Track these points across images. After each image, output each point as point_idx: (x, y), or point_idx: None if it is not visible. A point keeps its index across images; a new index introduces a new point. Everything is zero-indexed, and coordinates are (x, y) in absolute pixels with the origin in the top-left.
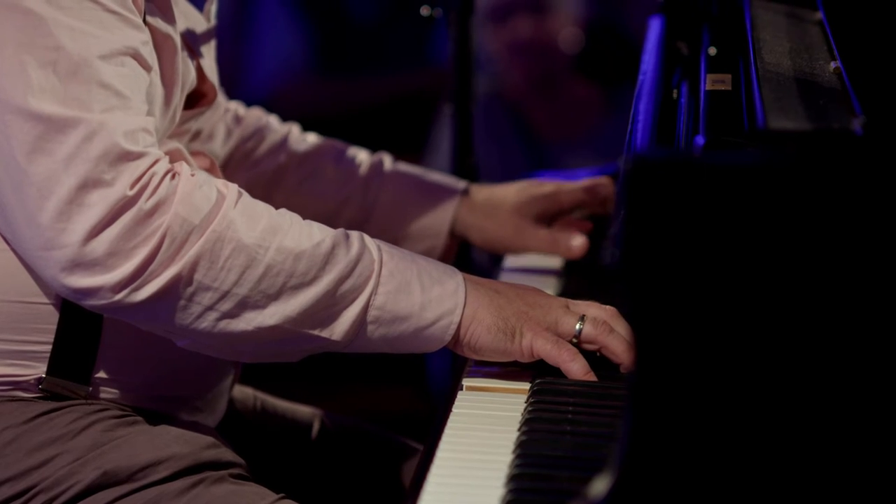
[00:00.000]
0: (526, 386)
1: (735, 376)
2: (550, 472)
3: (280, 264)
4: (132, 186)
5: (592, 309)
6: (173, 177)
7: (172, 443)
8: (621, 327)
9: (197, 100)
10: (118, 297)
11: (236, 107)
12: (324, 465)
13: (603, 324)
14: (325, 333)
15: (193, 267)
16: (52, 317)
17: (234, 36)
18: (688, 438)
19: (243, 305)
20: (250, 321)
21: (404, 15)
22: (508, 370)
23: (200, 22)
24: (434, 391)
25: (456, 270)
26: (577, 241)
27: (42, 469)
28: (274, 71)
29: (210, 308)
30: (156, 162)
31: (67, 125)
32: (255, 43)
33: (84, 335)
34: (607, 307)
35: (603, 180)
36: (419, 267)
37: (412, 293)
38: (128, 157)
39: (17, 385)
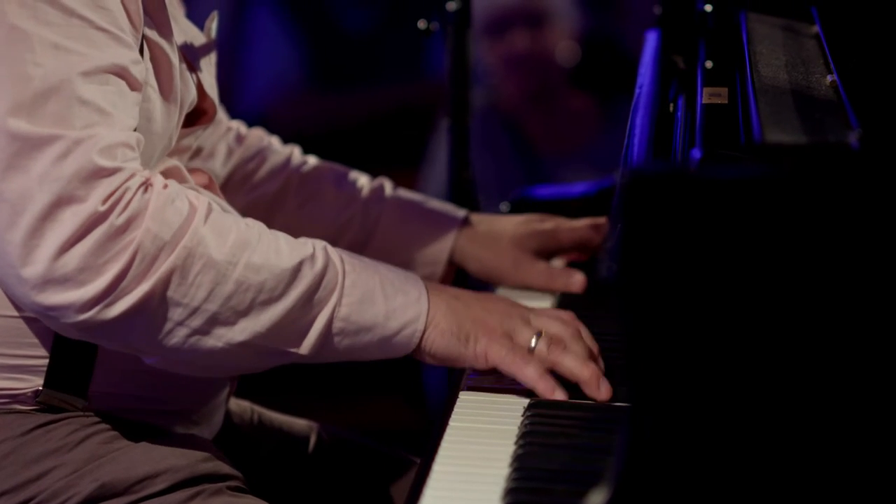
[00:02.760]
0: (523, 400)
1: (733, 390)
2: (548, 486)
3: (249, 280)
4: (104, 202)
5: (552, 325)
6: (146, 190)
7: (169, 455)
8: (578, 346)
9: (197, 117)
10: (89, 314)
11: (238, 126)
12: (321, 479)
13: (558, 342)
14: (292, 347)
15: (165, 283)
16: (48, 330)
17: (228, 50)
18: (684, 452)
19: (213, 322)
20: (220, 337)
21: (398, 28)
22: (506, 383)
23: (200, 39)
24: (431, 404)
25: (418, 278)
26: (575, 278)
27: (39, 481)
28: (268, 85)
29: (180, 324)
30: (131, 177)
31: (43, 143)
32: (250, 57)
33: (80, 348)
34: (569, 322)
35: (601, 221)
36: (381, 276)
37: (375, 303)
38: (101, 173)
39: (14, 398)
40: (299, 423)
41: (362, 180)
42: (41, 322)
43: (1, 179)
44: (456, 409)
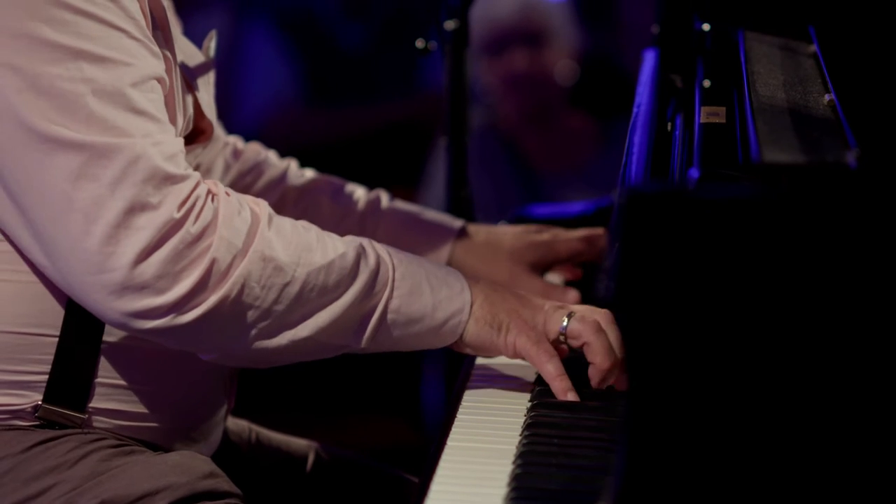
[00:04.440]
0: (521, 419)
1: (731, 408)
2: None
3: (314, 280)
4: (179, 209)
5: (585, 310)
6: (213, 198)
7: (169, 472)
8: (613, 332)
9: (194, 136)
10: (166, 319)
11: (235, 141)
12: (319, 498)
13: (592, 322)
14: (350, 340)
15: (239, 288)
16: (48, 346)
17: (224, 66)
18: (683, 471)
19: (280, 321)
20: (285, 335)
21: (394, 44)
22: (503, 403)
23: (198, 58)
24: (428, 423)
25: (457, 271)
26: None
27: (40, 498)
28: (265, 101)
29: (251, 326)
30: (198, 184)
31: (110, 150)
32: (246, 73)
33: (80, 364)
34: (604, 311)
35: (599, 232)
36: (426, 269)
37: (423, 295)
38: (172, 179)
39: (14, 414)
40: (297, 442)
41: (359, 193)
42: (41, 337)
43: (72, 189)
44: (454, 429)
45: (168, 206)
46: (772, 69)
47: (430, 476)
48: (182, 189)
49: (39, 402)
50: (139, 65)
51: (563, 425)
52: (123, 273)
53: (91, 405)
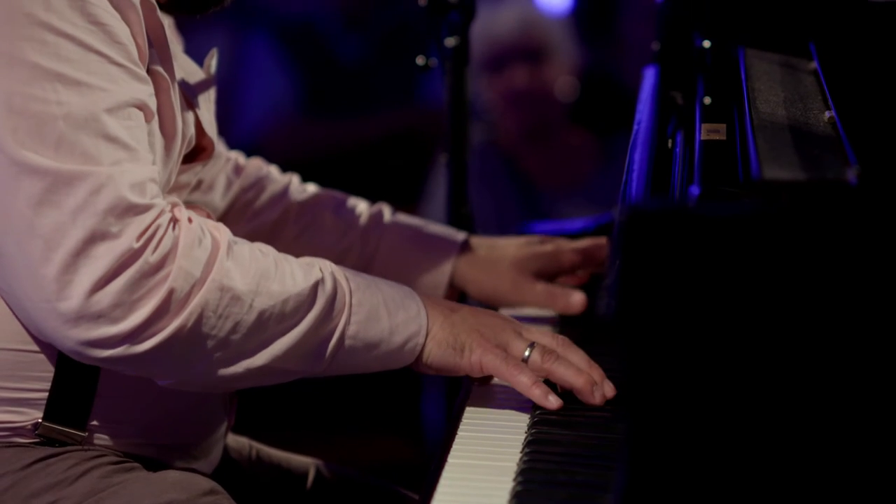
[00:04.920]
0: (521, 436)
1: (733, 425)
2: None
3: (271, 309)
4: (138, 238)
5: (543, 337)
6: (174, 226)
7: (170, 489)
8: (572, 355)
9: (195, 154)
10: (121, 348)
11: (237, 156)
12: None
13: (551, 352)
14: (306, 367)
15: (195, 318)
16: (48, 363)
17: (223, 78)
18: (684, 488)
19: (237, 351)
20: (241, 364)
21: (393, 58)
22: (504, 420)
23: (199, 75)
24: (429, 440)
25: (414, 293)
26: (575, 298)
27: None
28: (264, 115)
29: (207, 355)
30: (161, 213)
31: (75, 178)
32: (246, 86)
33: (80, 381)
34: (559, 336)
35: (601, 241)
36: (383, 293)
37: (380, 320)
38: (134, 209)
39: (14, 431)
40: (298, 460)
41: (361, 207)
42: (41, 354)
43: (34, 215)
44: (455, 446)
45: (128, 235)
46: (772, 86)
47: (430, 493)
48: (144, 219)
49: (39, 420)
50: (118, 91)
51: (564, 442)
52: (79, 301)
53: (91, 422)
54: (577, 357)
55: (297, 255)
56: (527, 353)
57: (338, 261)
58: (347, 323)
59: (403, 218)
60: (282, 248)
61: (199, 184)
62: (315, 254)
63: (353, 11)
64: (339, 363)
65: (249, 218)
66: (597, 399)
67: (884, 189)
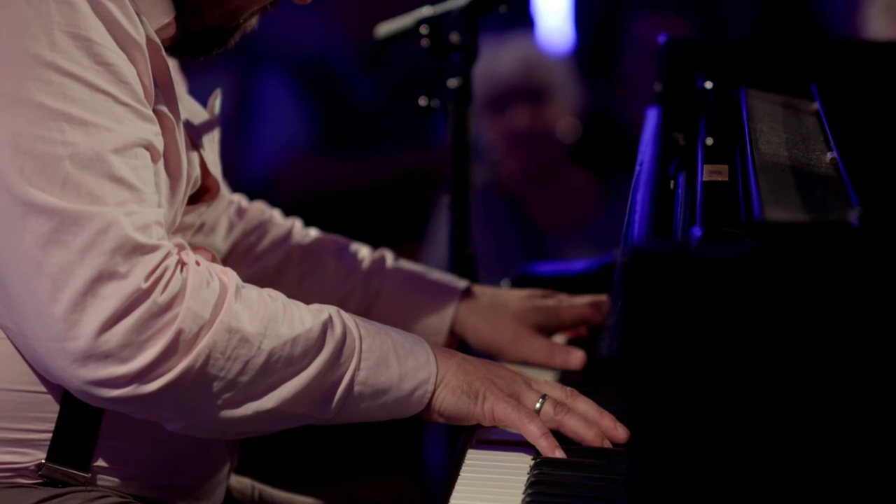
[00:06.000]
0: (524, 477)
1: (734, 467)
2: None
3: (279, 351)
4: (147, 279)
5: (553, 389)
6: (182, 268)
7: None
8: (582, 406)
9: (200, 195)
10: (129, 388)
11: (239, 199)
12: None
13: (562, 404)
14: (315, 412)
15: (203, 359)
16: (52, 404)
17: (236, 115)
18: None
19: (245, 392)
20: (250, 406)
21: (406, 97)
22: (506, 461)
23: (203, 116)
24: (431, 480)
25: (422, 339)
26: (575, 356)
27: None
28: (275, 151)
29: (215, 397)
30: (168, 255)
31: (82, 217)
32: (258, 123)
33: (84, 422)
34: (567, 388)
35: (602, 300)
36: (393, 340)
37: (390, 366)
38: (142, 249)
39: (17, 472)
40: (301, 500)
41: (363, 252)
42: (46, 395)
43: (41, 254)
44: (457, 487)
45: (136, 275)
46: (774, 127)
47: None
48: (151, 259)
49: (43, 461)
50: (124, 131)
51: (566, 483)
52: (87, 341)
53: (94, 463)
54: (587, 407)
55: (300, 299)
56: (538, 405)
57: (339, 305)
58: (357, 369)
59: (405, 264)
60: (284, 292)
61: (201, 226)
62: (317, 298)
63: (368, 52)
64: (348, 410)
65: (251, 261)
66: (607, 446)
67: (886, 230)
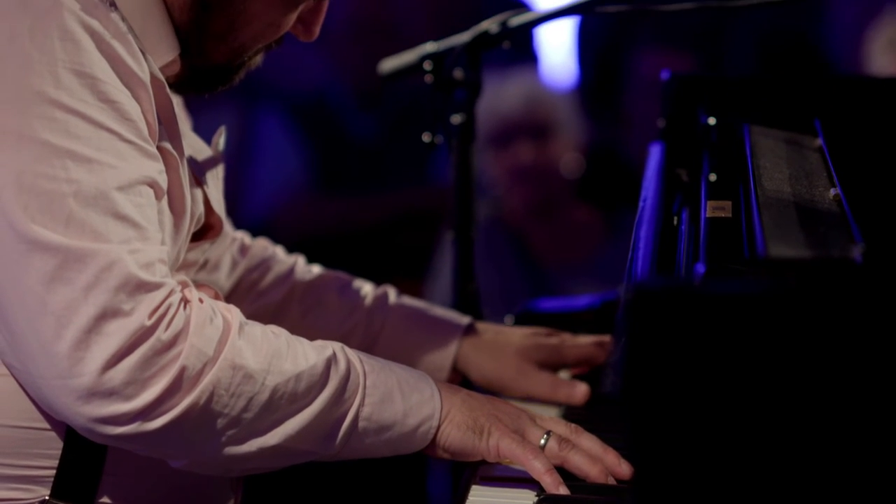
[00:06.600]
0: None
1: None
2: None
3: (283, 387)
4: (150, 316)
5: (558, 426)
6: (186, 306)
7: None
8: (586, 442)
9: (204, 232)
10: (133, 426)
11: (242, 236)
12: None
13: (566, 441)
14: (319, 448)
15: (207, 396)
16: (56, 441)
17: (235, 154)
18: None
19: (250, 429)
20: (254, 443)
21: (404, 135)
22: (509, 498)
23: (206, 153)
24: None
25: (428, 377)
26: (579, 390)
27: None
28: (275, 191)
29: (219, 433)
30: (171, 292)
31: (86, 255)
32: (257, 162)
33: (88, 458)
34: (571, 424)
35: (605, 340)
36: (397, 376)
37: (395, 402)
38: (146, 287)
39: None
40: None
41: (366, 288)
42: (50, 432)
43: (45, 292)
44: None
45: (140, 313)
46: (777, 163)
47: None
48: (155, 297)
49: (47, 497)
50: (128, 168)
51: None
52: (92, 378)
53: (99, 500)
54: (591, 443)
55: (302, 335)
56: (543, 441)
57: (342, 341)
58: (361, 404)
59: (408, 300)
60: (287, 327)
61: (205, 263)
62: (319, 334)
63: (366, 90)
64: (352, 446)
65: (254, 298)
66: (611, 483)
67: (889, 267)
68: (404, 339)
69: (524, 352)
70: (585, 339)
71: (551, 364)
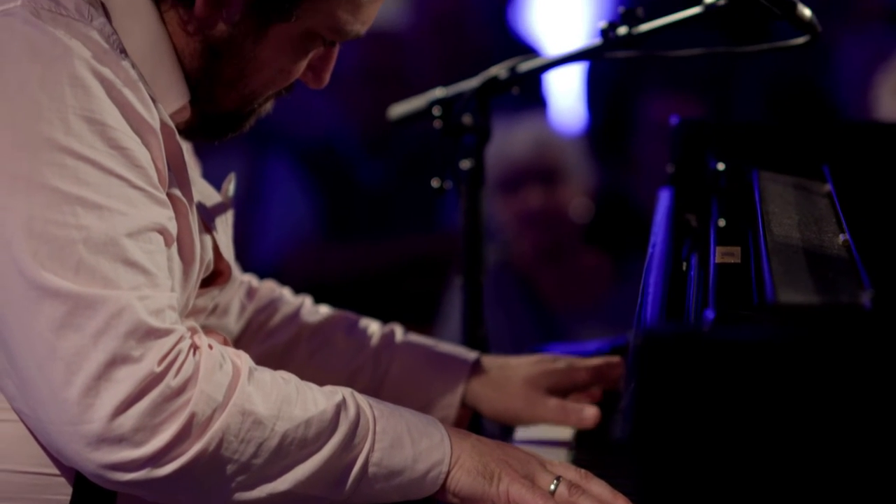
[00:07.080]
0: None
1: None
2: None
3: (293, 433)
4: (160, 363)
5: (568, 471)
6: (195, 352)
7: None
8: (595, 487)
9: (213, 278)
10: (143, 472)
11: (250, 279)
12: None
13: (576, 486)
14: (329, 493)
15: (217, 442)
16: (65, 486)
17: (243, 200)
18: None
19: (259, 475)
20: (264, 489)
21: (413, 180)
22: None
23: (216, 199)
24: None
25: (437, 421)
26: (589, 412)
27: None
28: (283, 236)
29: (229, 479)
30: (181, 339)
31: (96, 301)
32: (265, 207)
33: (99, 500)
34: (581, 470)
35: (615, 360)
36: (407, 421)
37: (404, 447)
38: (155, 333)
39: None
40: None
41: (373, 327)
42: (60, 477)
43: (55, 338)
44: None
45: (149, 359)
46: (786, 208)
47: None
48: (164, 343)
49: None
50: (137, 215)
51: None
52: (101, 425)
53: None
54: (601, 489)
55: (310, 375)
56: (553, 486)
57: (350, 380)
58: (371, 450)
59: (415, 338)
60: (294, 368)
61: (214, 308)
62: (327, 373)
63: (375, 135)
64: (362, 491)
65: (262, 339)
66: None
67: None
68: (412, 378)
69: (532, 380)
70: (594, 360)
71: (563, 387)
